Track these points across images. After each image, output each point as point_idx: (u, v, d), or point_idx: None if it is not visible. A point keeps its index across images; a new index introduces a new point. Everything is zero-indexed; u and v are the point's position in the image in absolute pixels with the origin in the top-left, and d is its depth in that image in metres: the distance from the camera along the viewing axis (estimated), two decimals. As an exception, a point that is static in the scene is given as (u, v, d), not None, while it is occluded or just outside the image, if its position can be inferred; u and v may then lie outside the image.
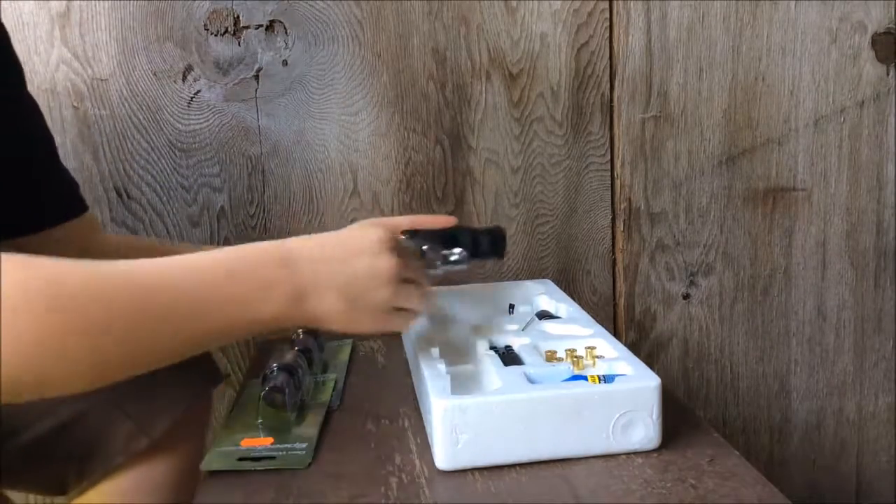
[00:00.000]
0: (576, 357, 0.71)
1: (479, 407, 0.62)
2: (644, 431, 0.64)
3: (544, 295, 0.92)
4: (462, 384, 0.69)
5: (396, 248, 0.68)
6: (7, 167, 0.74)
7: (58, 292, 0.52)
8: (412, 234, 0.80)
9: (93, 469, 0.77)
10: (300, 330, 0.88)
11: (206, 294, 0.59)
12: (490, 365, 0.70)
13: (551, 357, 0.72)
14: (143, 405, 0.77)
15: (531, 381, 0.66)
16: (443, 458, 0.62)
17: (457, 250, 0.81)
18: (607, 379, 0.66)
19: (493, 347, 0.76)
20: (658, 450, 0.65)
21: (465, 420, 0.61)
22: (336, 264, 0.65)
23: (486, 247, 0.87)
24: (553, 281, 0.99)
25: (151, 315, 0.56)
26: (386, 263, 0.67)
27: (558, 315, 0.88)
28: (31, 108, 0.85)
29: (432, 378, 0.66)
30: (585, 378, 0.67)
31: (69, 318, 0.52)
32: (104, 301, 0.54)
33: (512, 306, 0.90)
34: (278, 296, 0.61)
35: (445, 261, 0.80)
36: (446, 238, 0.84)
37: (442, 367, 0.69)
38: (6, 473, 0.75)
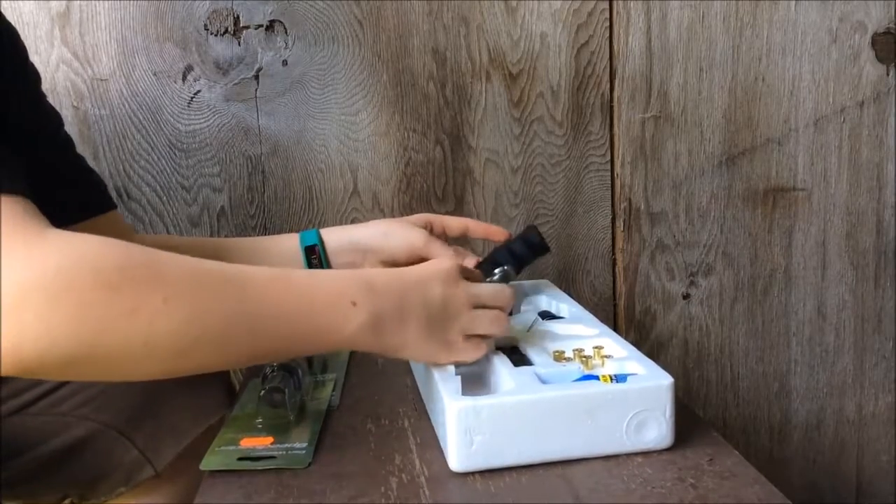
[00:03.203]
0: (584, 357, 0.71)
1: (493, 408, 0.62)
2: (657, 430, 0.64)
3: (544, 295, 0.92)
4: (469, 385, 0.69)
5: (467, 274, 0.69)
6: (31, 167, 0.75)
7: (154, 275, 0.53)
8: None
9: (95, 495, 0.78)
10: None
11: (293, 299, 0.60)
12: (500, 366, 0.70)
13: (559, 357, 0.72)
14: (150, 435, 0.77)
15: (543, 381, 0.66)
16: (457, 460, 0.62)
17: (497, 270, 0.81)
18: (619, 378, 0.66)
19: (499, 348, 0.76)
20: (658, 449, 0.65)
21: (479, 421, 0.61)
22: (413, 292, 0.65)
23: (525, 252, 0.89)
24: (553, 281, 0.99)
25: (237, 311, 0.56)
26: (460, 290, 0.67)
27: (560, 315, 0.88)
28: (50, 111, 0.86)
29: (443, 379, 0.66)
30: (597, 378, 0.67)
31: (161, 300, 0.52)
32: (195, 289, 0.55)
33: None
34: (360, 316, 0.61)
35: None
36: (483, 264, 0.85)
37: (451, 367, 0.69)
38: (7, 489, 0.75)
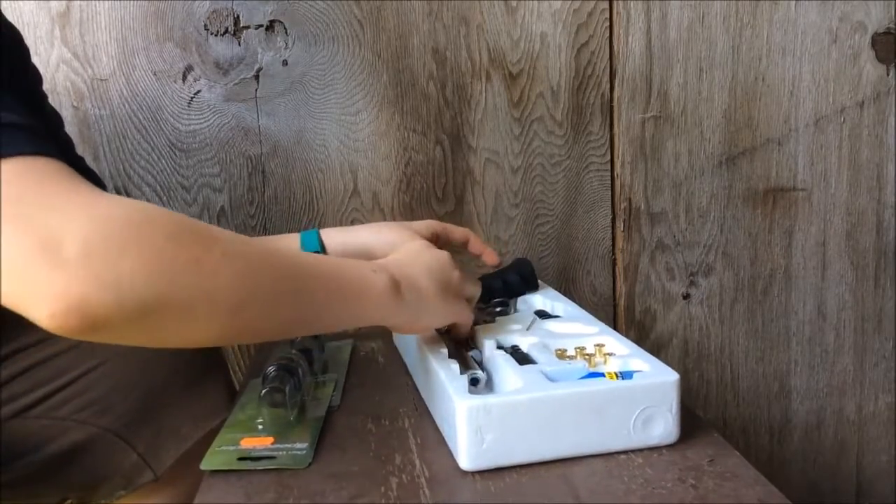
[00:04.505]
0: (587, 355, 0.71)
1: (504, 406, 0.62)
2: (664, 426, 0.64)
3: (539, 294, 0.93)
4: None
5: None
6: None
7: (207, 230, 0.55)
8: None
9: (94, 498, 0.77)
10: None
11: (324, 265, 0.63)
12: (504, 364, 0.70)
13: (562, 355, 0.72)
14: (150, 439, 0.77)
15: (550, 379, 0.66)
16: (467, 459, 0.62)
17: (497, 301, 0.85)
18: (625, 375, 0.66)
19: (499, 347, 0.76)
20: (658, 449, 0.65)
21: (489, 420, 0.61)
22: (408, 262, 0.71)
23: (517, 285, 0.93)
24: (553, 281, 0.99)
25: (281, 271, 0.58)
26: (439, 251, 0.74)
27: (555, 314, 0.88)
28: (52, 113, 0.86)
29: (450, 379, 0.66)
30: (602, 375, 0.67)
31: (220, 252, 0.53)
32: (245, 247, 0.57)
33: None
34: (381, 284, 0.64)
35: (493, 316, 0.85)
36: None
37: (456, 367, 0.69)
38: (7, 491, 0.75)
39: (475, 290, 0.76)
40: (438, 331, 0.80)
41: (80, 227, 0.48)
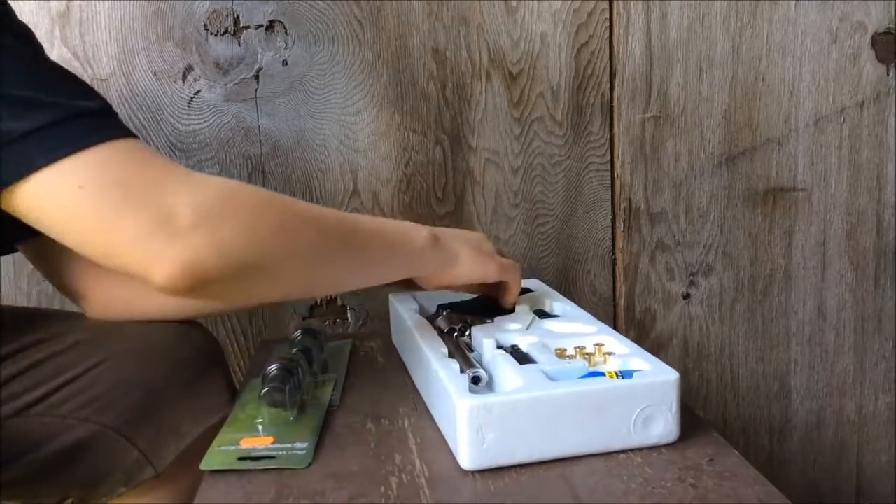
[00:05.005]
0: (586, 354, 0.71)
1: (504, 405, 0.62)
2: (664, 425, 0.64)
3: (536, 293, 0.93)
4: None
5: None
6: None
7: (284, 199, 0.65)
8: (448, 308, 0.86)
9: (95, 496, 0.77)
10: (299, 331, 0.88)
11: (370, 221, 0.77)
12: (505, 364, 0.70)
13: (562, 355, 0.72)
14: (151, 436, 0.77)
15: (550, 378, 0.66)
16: (468, 459, 0.62)
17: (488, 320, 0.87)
18: (625, 374, 0.66)
19: (499, 347, 0.76)
20: (658, 449, 0.65)
21: (490, 419, 0.61)
22: (445, 229, 0.81)
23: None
24: (553, 281, 0.99)
25: (343, 230, 0.68)
26: (475, 232, 0.87)
27: (554, 313, 0.88)
28: None
29: (450, 378, 0.67)
30: (602, 374, 0.67)
31: (301, 220, 0.64)
32: (314, 210, 0.67)
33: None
34: (423, 236, 0.75)
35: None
36: (477, 304, 0.88)
37: (456, 366, 0.69)
38: (8, 490, 0.75)
39: (512, 260, 0.85)
40: (441, 331, 0.80)
41: (187, 201, 0.56)
